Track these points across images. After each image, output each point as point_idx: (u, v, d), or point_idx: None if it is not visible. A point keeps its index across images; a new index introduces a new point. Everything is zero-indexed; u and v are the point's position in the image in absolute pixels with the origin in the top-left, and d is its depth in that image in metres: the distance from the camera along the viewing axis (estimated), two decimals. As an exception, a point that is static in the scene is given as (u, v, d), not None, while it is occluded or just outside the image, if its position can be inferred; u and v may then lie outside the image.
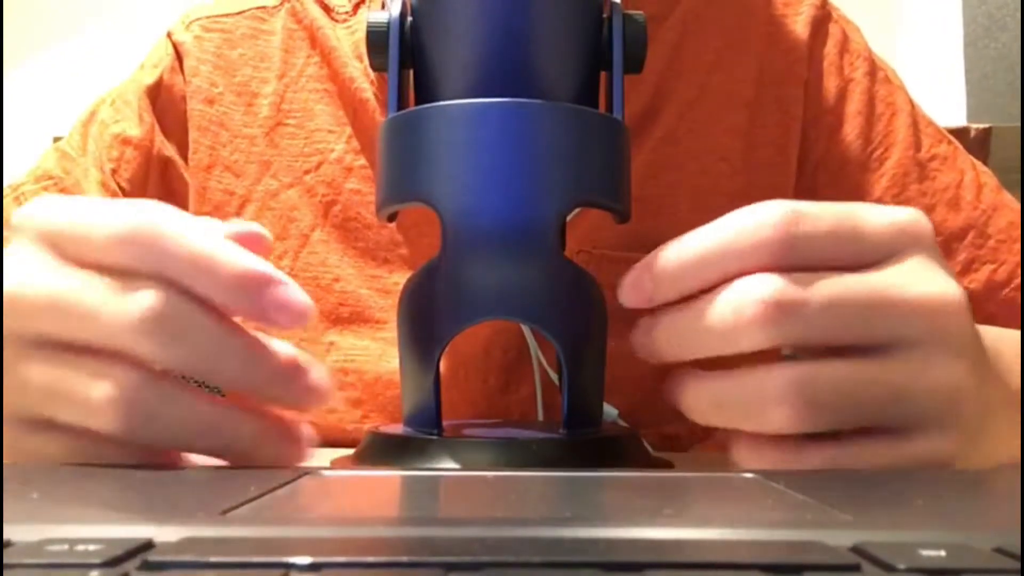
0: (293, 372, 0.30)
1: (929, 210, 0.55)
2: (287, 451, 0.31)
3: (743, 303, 0.29)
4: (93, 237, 0.29)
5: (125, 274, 0.29)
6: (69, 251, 0.30)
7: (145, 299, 0.28)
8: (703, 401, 0.31)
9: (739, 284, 0.30)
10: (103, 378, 0.28)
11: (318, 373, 0.30)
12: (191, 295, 0.28)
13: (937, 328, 0.30)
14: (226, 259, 0.29)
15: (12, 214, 0.32)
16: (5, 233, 0.32)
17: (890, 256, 0.30)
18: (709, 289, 0.31)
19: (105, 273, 0.29)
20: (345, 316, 0.54)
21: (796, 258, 0.30)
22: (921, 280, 0.30)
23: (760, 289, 0.29)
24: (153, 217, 0.29)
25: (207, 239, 0.29)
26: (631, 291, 0.31)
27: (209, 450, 0.30)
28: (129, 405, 0.28)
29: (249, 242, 0.31)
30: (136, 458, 0.29)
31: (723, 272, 0.30)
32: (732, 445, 0.32)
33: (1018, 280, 0.55)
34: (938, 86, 1.77)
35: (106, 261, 0.29)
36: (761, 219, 0.30)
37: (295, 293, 0.29)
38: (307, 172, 0.56)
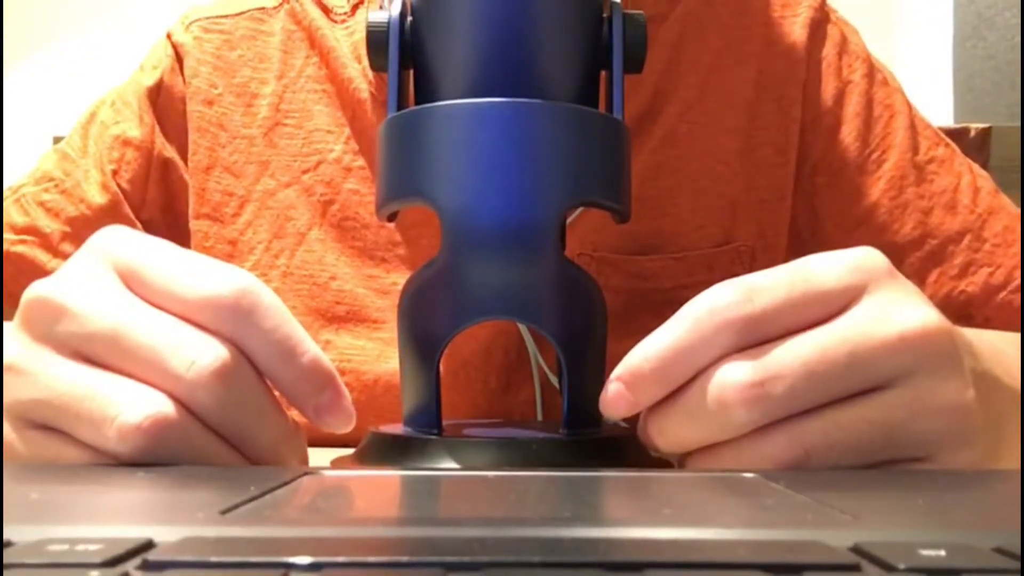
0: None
1: (926, 213, 0.55)
2: None
3: (723, 393, 0.29)
4: (177, 288, 0.29)
5: (201, 328, 0.29)
6: (142, 290, 0.30)
7: (218, 356, 0.28)
8: (699, 465, 0.32)
9: (713, 374, 0.30)
10: (138, 403, 0.28)
11: (347, 404, 0.31)
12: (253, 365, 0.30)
13: (921, 357, 0.29)
14: (304, 349, 0.30)
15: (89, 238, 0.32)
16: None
17: (853, 299, 0.30)
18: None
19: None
20: (341, 314, 0.54)
21: (760, 334, 0.30)
22: (890, 314, 0.30)
23: (734, 375, 0.29)
24: (253, 289, 0.30)
25: (293, 322, 0.30)
26: (614, 404, 0.31)
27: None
28: (156, 437, 0.27)
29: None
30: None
31: (695, 366, 0.30)
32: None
33: (1014, 283, 0.55)
34: (928, 86, 1.78)
35: (188, 315, 0.29)
36: (714, 306, 0.30)
37: (347, 402, 0.31)
38: (305, 172, 0.56)
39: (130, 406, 0.27)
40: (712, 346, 0.30)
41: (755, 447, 0.30)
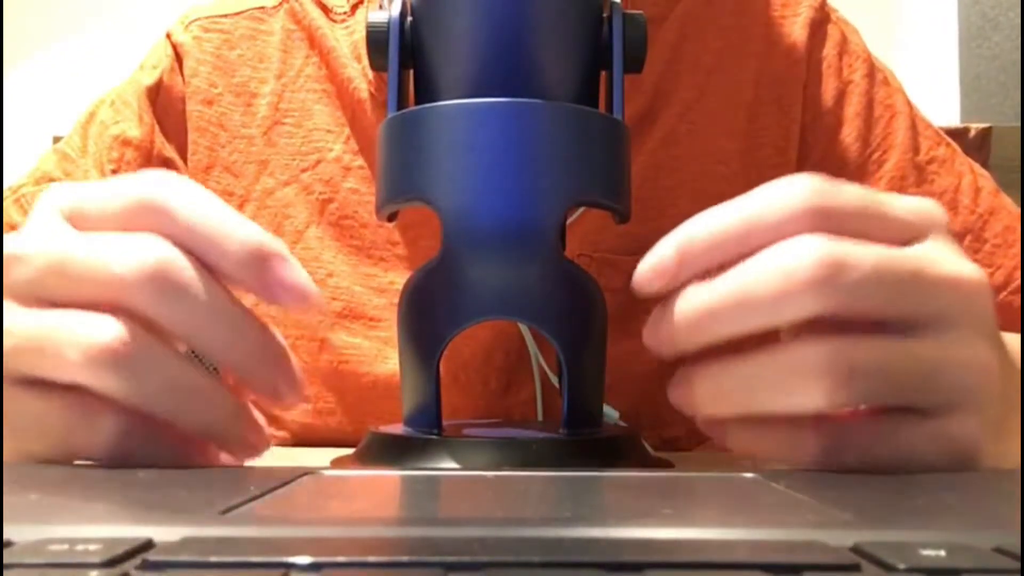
0: (277, 353, 0.30)
1: None
2: (254, 441, 0.31)
3: (795, 265, 0.27)
4: (108, 207, 0.30)
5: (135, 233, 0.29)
6: (87, 224, 0.30)
7: (150, 254, 0.28)
8: (724, 385, 0.30)
9: (786, 245, 0.28)
10: (95, 329, 0.28)
11: (298, 370, 0.31)
12: (197, 260, 0.29)
13: (969, 307, 0.29)
14: (236, 229, 0.29)
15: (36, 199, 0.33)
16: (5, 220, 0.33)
17: (914, 238, 0.30)
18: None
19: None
20: (337, 311, 0.54)
21: (831, 228, 0.28)
22: (950, 261, 0.29)
23: (812, 248, 0.27)
24: (166, 185, 0.30)
25: (219, 208, 0.29)
26: (652, 273, 0.29)
27: (194, 424, 0.30)
28: (119, 357, 0.27)
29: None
30: (130, 429, 0.29)
31: (760, 240, 0.28)
32: (752, 436, 0.30)
33: (1014, 284, 0.55)
34: (933, 86, 1.78)
35: (119, 228, 0.29)
36: (793, 191, 0.29)
37: (300, 274, 0.30)
38: (304, 170, 0.56)
39: (92, 329, 0.28)
40: (779, 228, 0.28)
41: (801, 352, 0.28)
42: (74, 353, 0.28)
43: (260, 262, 0.29)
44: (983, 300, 0.30)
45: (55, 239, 0.30)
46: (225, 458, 0.31)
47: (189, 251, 0.29)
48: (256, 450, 0.31)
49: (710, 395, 0.30)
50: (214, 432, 0.30)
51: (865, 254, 0.28)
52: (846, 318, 0.28)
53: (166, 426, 0.30)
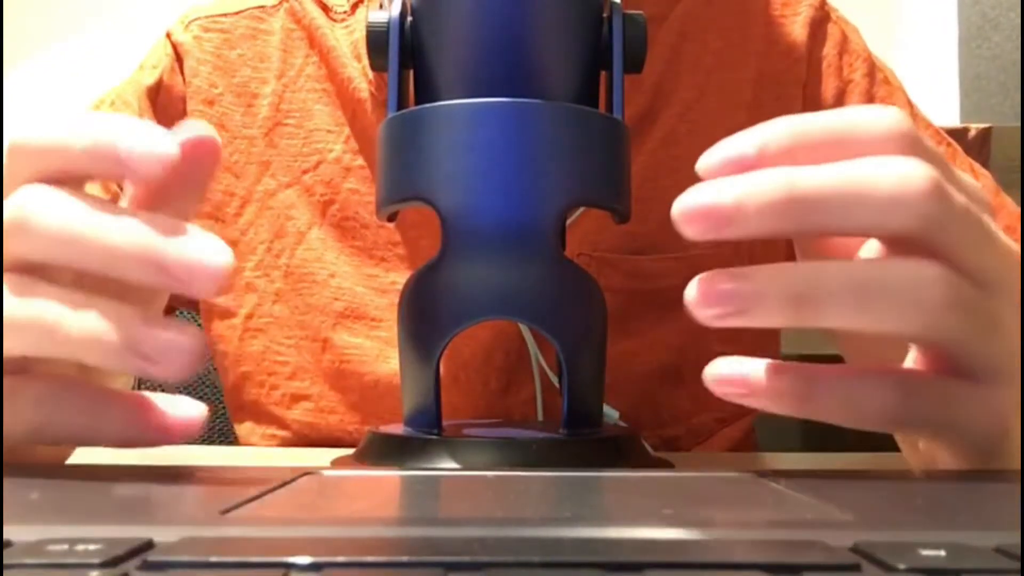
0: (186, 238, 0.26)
1: None
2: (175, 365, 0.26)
3: (913, 174, 0.25)
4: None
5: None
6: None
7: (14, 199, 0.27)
8: (833, 284, 0.26)
9: (898, 158, 0.26)
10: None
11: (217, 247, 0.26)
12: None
13: (1015, 276, 0.28)
14: (76, 128, 0.27)
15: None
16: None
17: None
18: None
19: None
20: (339, 310, 0.54)
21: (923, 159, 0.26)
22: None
23: (924, 167, 0.25)
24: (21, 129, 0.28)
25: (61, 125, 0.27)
26: (721, 163, 0.26)
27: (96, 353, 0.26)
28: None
29: (199, 147, 0.29)
30: (39, 395, 0.27)
31: (853, 152, 0.26)
32: (818, 390, 0.27)
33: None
34: (933, 86, 1.78)
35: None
36: (890, 114, 0.27)
37: (158, 136, 0.27)
38: (305, 171, 0.56)
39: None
40: (887, 140, 0.26)
41: (917, 269, 0.26)
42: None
43: (103, 141, 0.27)
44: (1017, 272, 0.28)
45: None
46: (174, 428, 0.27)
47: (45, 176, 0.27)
48: (175, 372, 0.26)
49: (814, 294, 0.26)
50: (123, 358, 0.26)
51: (959, 193, 0.26)
52: (930, 250, 0.26)
53: (77, 384, 0.28)
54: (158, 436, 0.27)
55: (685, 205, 0.26)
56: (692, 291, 0.26)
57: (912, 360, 0.30)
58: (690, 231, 0.26)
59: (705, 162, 0.27)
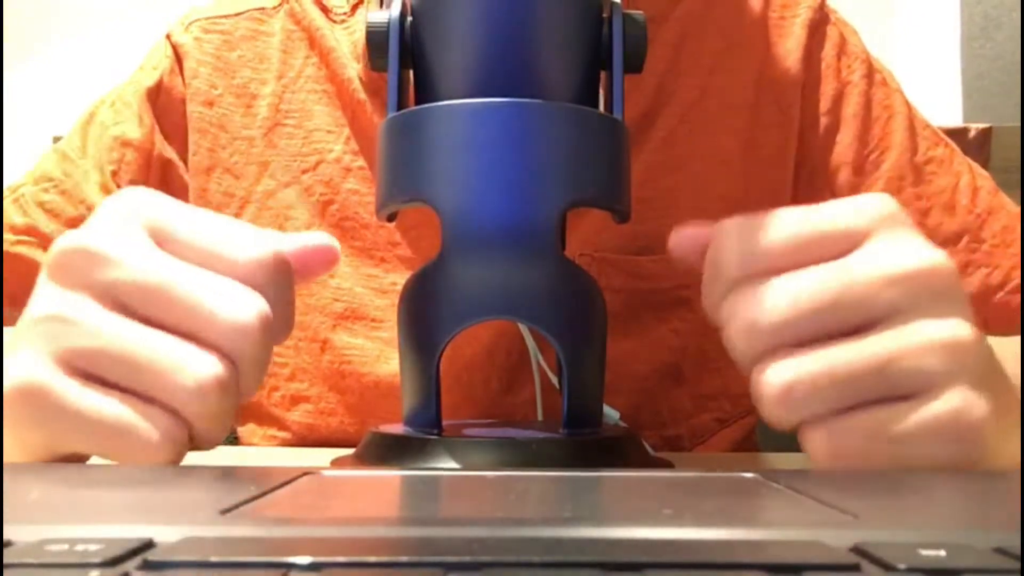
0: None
1: (924, 214, 0.55)
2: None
3: (731, 328, 0.31)
4: (198, 239, 0.32)
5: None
6: (174, 248, 0.31)
7: (253, 307, 0.31)
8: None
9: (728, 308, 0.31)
10: (204, 365, 0.29)
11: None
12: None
13: (914, 295, 0.30)
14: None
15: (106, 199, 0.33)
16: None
17: (857, 243, 0.31)
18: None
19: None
20: (339, 311, 0.54)
21: (759, 271, 0.31)
22: (888, 254, 0.30)
23: (734, 310, 0.31)
24: (280, 250, 0.33)
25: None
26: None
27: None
28: (223, 391, 0.30)
29: (315, 255, 0.35)
30: (176, 434, 0.30)
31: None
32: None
33: (1013, 283, 0.55)
34: (935, 86, 1.78)
35: (203, 263, 0.31)
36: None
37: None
38: (305, 172, 0.56)
39: (202, 364, 0.29)
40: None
41: (757, 371, 0.30)
42: (188, 381, 0.29)
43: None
44: (934, 281, 0.30)
45: (153, 259, 0.30)
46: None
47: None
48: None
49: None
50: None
51: (781, 295, 0.30)
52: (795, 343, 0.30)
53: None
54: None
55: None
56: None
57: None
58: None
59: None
